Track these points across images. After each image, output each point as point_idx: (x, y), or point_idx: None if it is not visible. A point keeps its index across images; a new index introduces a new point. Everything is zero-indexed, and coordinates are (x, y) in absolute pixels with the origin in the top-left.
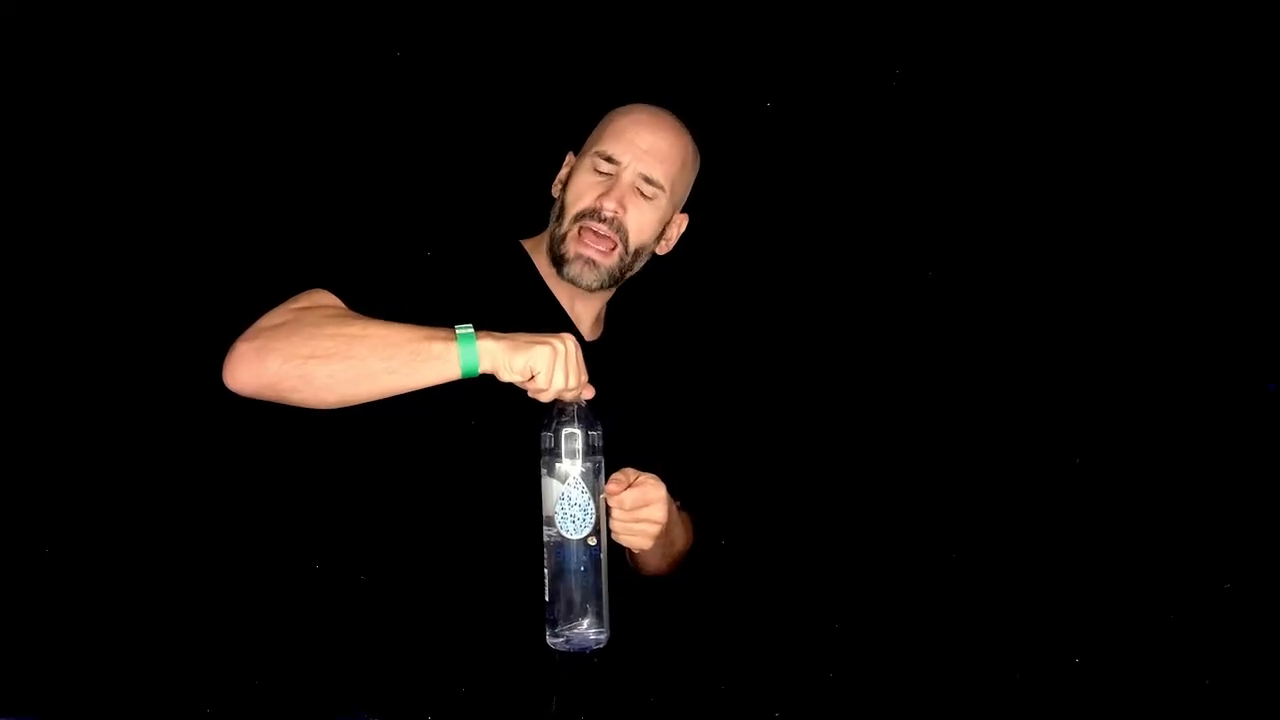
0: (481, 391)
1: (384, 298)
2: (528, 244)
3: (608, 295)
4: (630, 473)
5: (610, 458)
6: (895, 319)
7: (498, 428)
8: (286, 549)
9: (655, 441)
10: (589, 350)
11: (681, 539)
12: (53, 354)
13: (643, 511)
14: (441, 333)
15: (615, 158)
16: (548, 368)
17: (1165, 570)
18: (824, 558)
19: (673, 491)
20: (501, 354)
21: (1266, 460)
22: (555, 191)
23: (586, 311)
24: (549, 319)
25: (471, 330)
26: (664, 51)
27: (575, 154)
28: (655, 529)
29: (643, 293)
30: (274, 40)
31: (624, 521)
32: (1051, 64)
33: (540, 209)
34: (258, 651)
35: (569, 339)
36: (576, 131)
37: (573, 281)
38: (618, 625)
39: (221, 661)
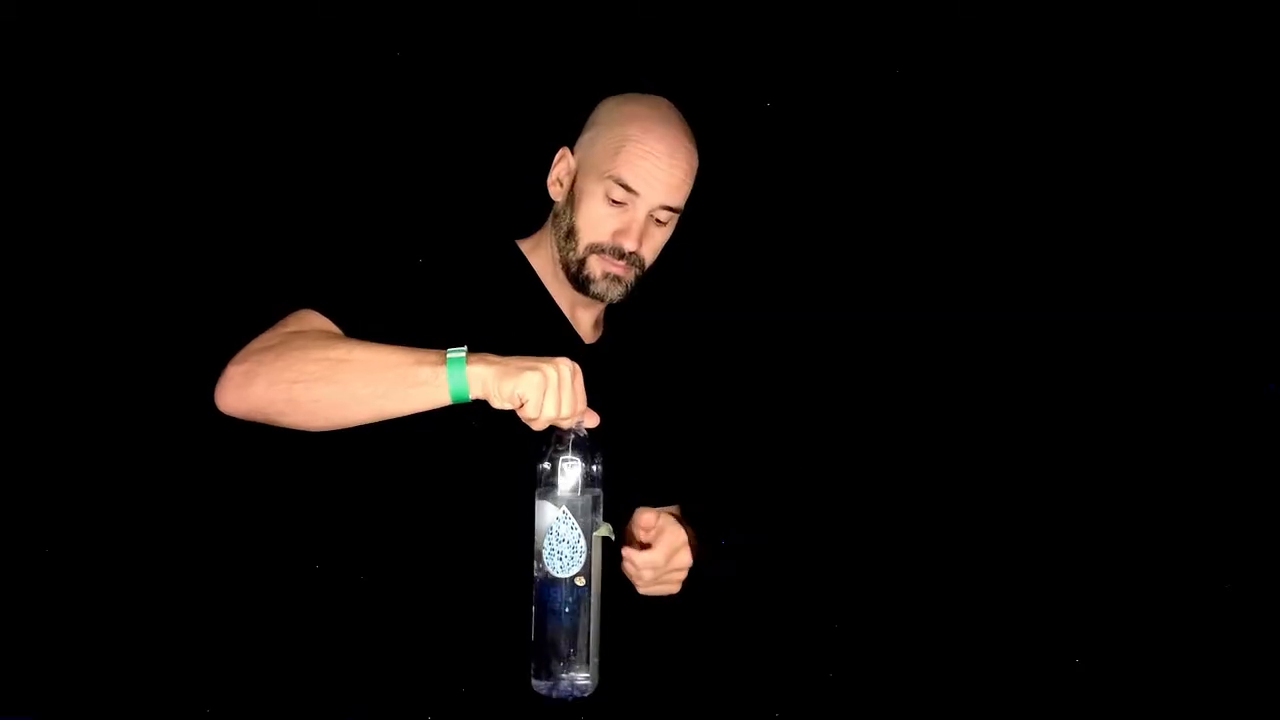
0: (485, 412)
1: (377, 313)
2: (524, 245)
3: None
4: (647, 522)
5: (608, 463)
6: (895, 318)
7: (498, 449)
8: (288, 551)
9: (653, 445)
10: (587, 354)
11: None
12: (54, 356)
13: (673, 562)
14: (431, 356)
15: (633, 188)
16: (537, 395)
17: (1165, 570)
18: (823, 558)
19: (671, 495)
20: (492, 380)
21: (1266, 460)
22: (554, 193)
23: (586, 315)
24: (548, 323)
25: (463, 354)
26: (656, 45)
27: (571, 150)
28: (684, 574)
29: (644, 294)
30: (253, 42)
31: (653, 581)
32: (1052, 64)
33: (532, 206)
34: (258, 653)
35: (564, 365)
36: (567, 125)
37: (598, 298)
38: (619, 622)
39: (221, 662)
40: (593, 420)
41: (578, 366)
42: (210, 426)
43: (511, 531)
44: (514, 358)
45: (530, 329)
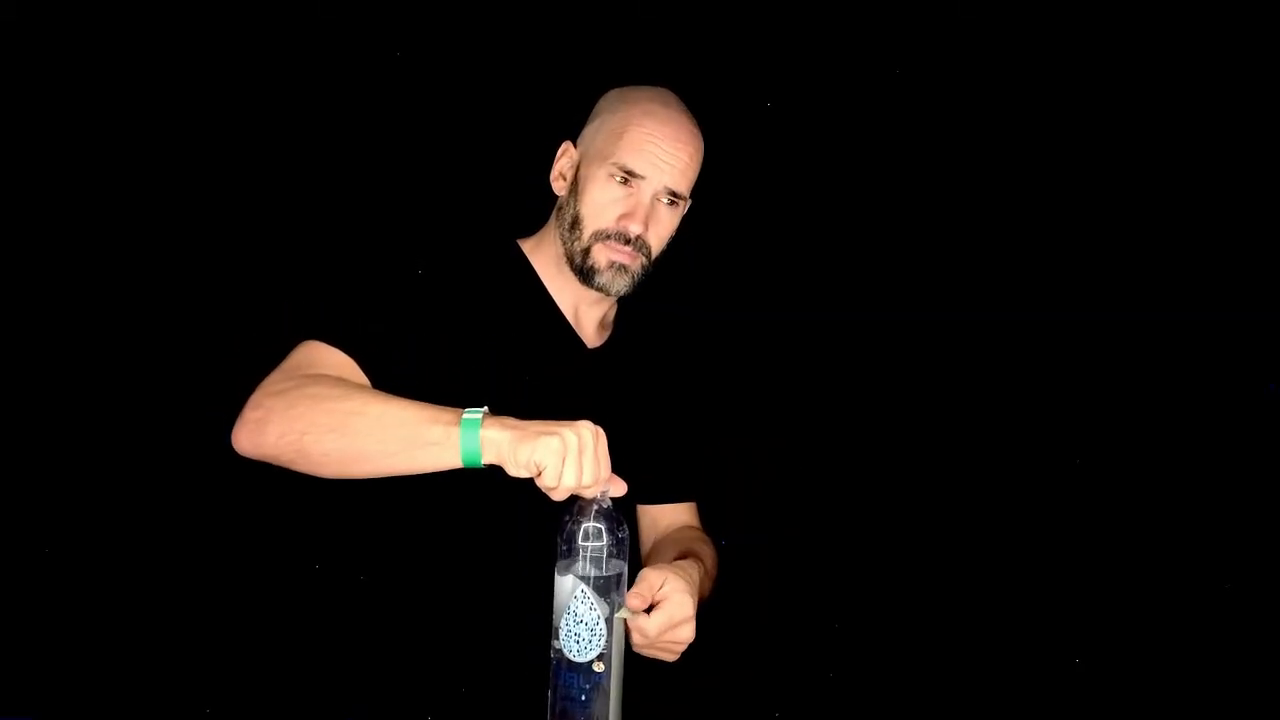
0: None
1: (383, 341)
2: (525, 245)
3: (614, 299)
4: (652, 584)
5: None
6: (895, 318)
7: (513, 512)
8: (289, 552)
9: (654, 450)
10: (589, 358)
11: (708, 590)
12: (54, 356)
13: (669, 635)
14: (446, 415)
15: (637, 172)
16: (556, 462)
17: (1165, 570)
18: (823, 558)
19: (671, 499)
20: (507, 445)
21: (1267, 460)
22: (558, 188)
23: (590, 317)
24: (548, 326)
25: (479, 416)
26: (656, 45)
27: (574, 144)
28: (683, 647)
29: (650, 294)
30: (250, 42)
31: (646, 646)
32: (1052, 64)
33: (532, 206)
34: (258, 653)
35: (586, 429)
36: (567, 124)
37: (602, 290)
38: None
39: (221, 662)
40: (619, 489)
41: (601, 431)
42: (212, 429)
43: (511, 537)
44: (533, 422)
45: (530, 331)
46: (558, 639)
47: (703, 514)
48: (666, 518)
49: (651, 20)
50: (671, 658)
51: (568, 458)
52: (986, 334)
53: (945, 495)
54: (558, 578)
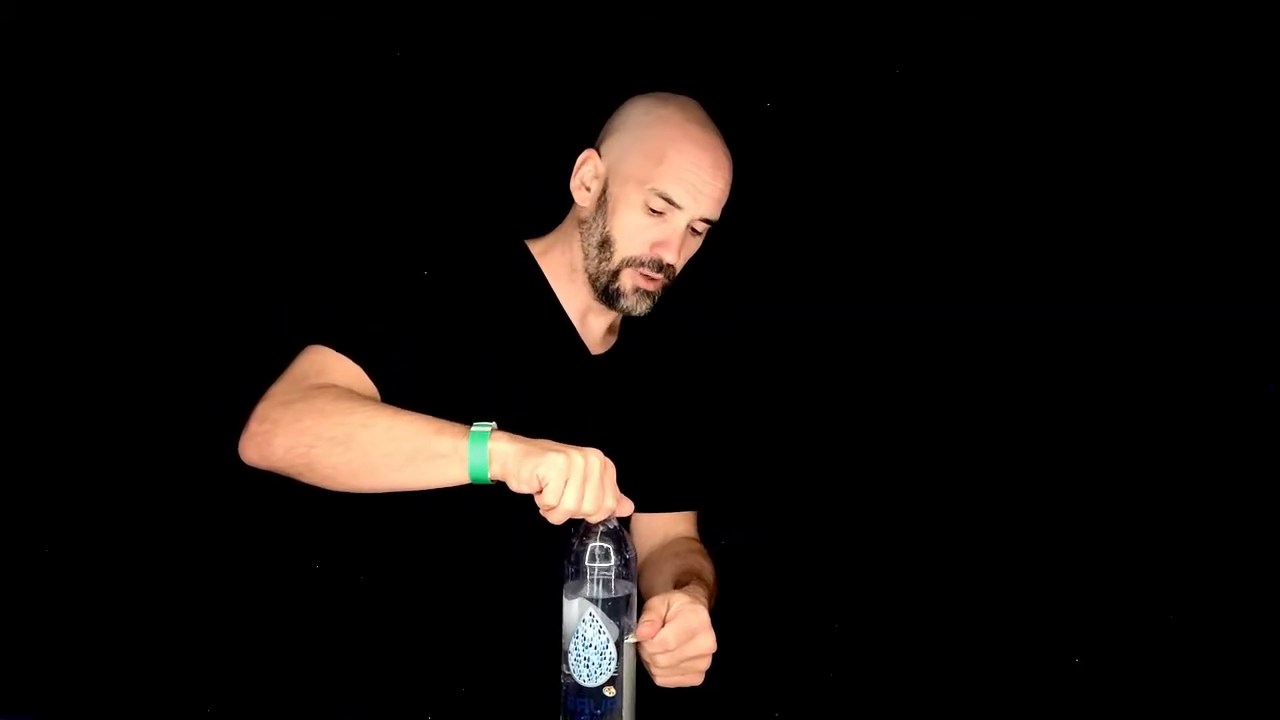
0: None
1: (387, 344)
2: (534, 246)
3: None
4: (659, 610)
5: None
6: (895, 318)
7: (514, 513)
8: (289, 551)
9: (658, 456)
10: (593, 365)
11: (711, 606)
12: (54, 356)
13: (689, 647)
14: (453, 428)
15: (677, 202)
16: (558, 481)
17: (1165, 570)
18: (823, 558)
19: (675, 505)
20: (513, 458)
21: (1267, 460)
22: (580, 198)
23: (597, 324)
24: (553, 332)
25: (488, 429)
26: (657, 44)
27: (597, 152)
28: (707, 662)
29: (665, 302)
30: (249, 40)
31: (671, 668)
32: (1052, 63)
33: (534, 205)
34: (258, 653)
35: (595, 457)
36: (570, 123)
37: (625, 312)
38: None
39: (221, 662)
40: (627, 508)
41: (611, 464)
42: (214, 430)
43: (511, 537)
44: (542, 440)
45: (534, 335)
46: (566, 664)
47: (702, 515)
48: (664, 527)
49: (651, 20)
50: (698, 678)
51: (571, 479)
52: (986, 334)
53: (945, 495)
54: (565, 601)
